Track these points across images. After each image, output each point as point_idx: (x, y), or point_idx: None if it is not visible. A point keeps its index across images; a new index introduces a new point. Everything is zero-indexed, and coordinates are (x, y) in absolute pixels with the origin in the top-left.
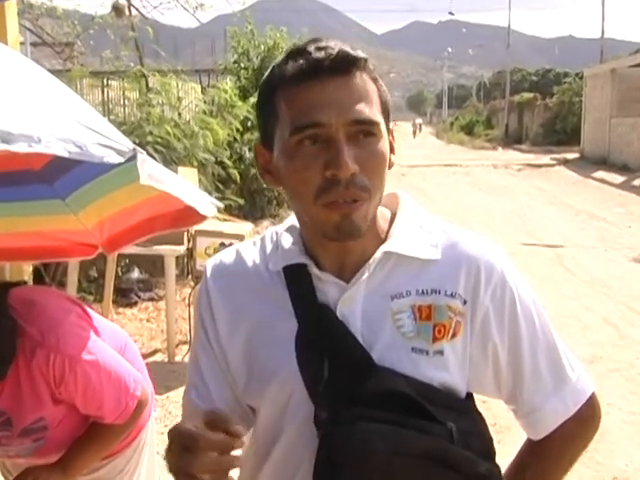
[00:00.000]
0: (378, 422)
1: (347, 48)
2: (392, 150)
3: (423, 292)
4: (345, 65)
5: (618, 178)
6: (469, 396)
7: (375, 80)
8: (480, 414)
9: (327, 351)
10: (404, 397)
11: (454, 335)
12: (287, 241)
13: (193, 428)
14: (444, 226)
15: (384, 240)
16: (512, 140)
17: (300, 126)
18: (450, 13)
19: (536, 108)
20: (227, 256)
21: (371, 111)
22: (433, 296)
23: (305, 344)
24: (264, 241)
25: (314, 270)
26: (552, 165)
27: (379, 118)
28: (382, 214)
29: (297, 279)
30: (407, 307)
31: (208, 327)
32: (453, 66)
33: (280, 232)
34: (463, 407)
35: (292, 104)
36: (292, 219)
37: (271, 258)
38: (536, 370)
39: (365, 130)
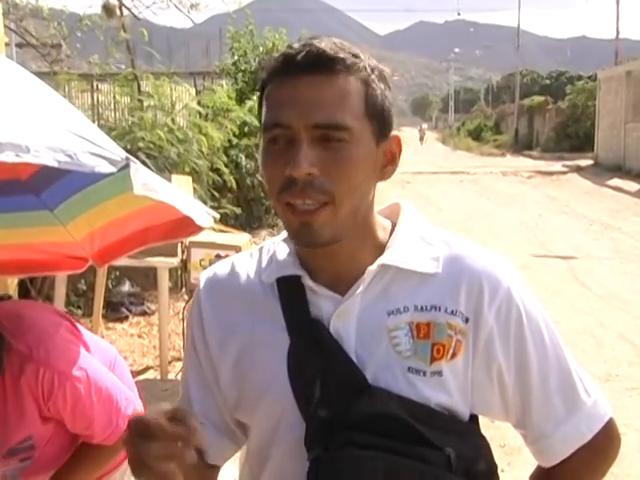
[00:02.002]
0: (369, 448)
1: (326, 47)
2: (392, 160)
3: (422, 308)
4: (318, 64)
5: (634, 186)
6: (473, 419)
7: (366, 83)
8: (484, 438)
9: (319, 369)
10: (398, 421)
11: (454, 355)
12: (282, 252)
13: (153, 417)
14: (447, 238)
15: (383, 252)
16: (522, 146)
17: (268, 125)
18: (458, 13)
19: (547, 112)
20: (222, 268)
21: (340, 115)
22: (432, 313)
23: (297, 361)
24: (261, 252)
25: (308, 282)
26: (564, 172)
27: (351, 123)
28: (382, 225)
29: (290, 292)
30: (404, 324)
31: (198, 342)
32: (460, 68)
33: (277, 242)
34: (465, 430)
35: (268, 102)
36: None
37: (265, 270)
38: (546, 394)
39: (330, 134)
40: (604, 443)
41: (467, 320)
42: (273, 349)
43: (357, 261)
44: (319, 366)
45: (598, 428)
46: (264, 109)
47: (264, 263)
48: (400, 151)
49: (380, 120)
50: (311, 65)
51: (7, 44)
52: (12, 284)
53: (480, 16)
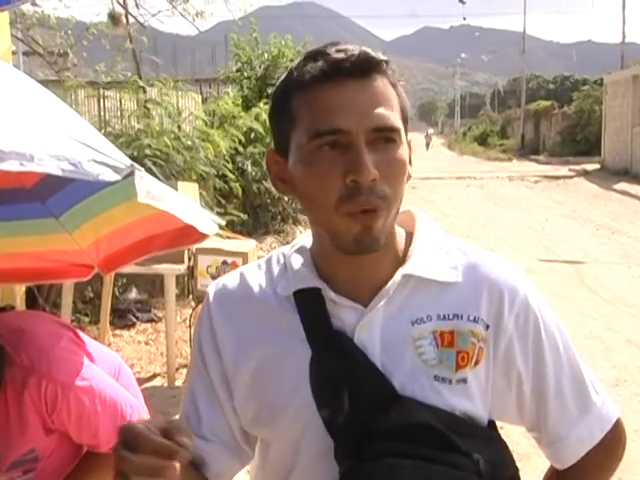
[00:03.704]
0: (403, 457)
1: (368, 50)
2: (409, 161)
3: (445, 317)
4: (366, 67)
5: None
6: (491, 424)
7: (394, 86)
8: (504, 443)
9: (346, 381)
10: (430, 429)
11: (477, 362)
12: (297, 263)
13: (143, 428)
14: (463, 247)
15: (402, 261)
16: (528, 151)
17: (320, 131)
18: (463, 18)
19: (553, 117)
20: (231, 280)
21: (393, 117)
22: (455, 321)
23: (321, 373)
24: (270, 264)
25: (330, 294)
26: (571, 177)
27: (400, 124)
28: (398, 234)
29: (309, 304)
30: (428, 333)
31: (207, 355)
32: (466, 73)
33: (288, 253)
34: (487, 436)
35: (311, 107)
36: (300, 240)
37: (279, 282)
38: (561, 398)
39: (386, 137)
40: (613, 442)
41: (488, 327)
42: (293, 362)
43: (378, 271)
44: (346, 378)
45: (608, 428)
46: (306, 115)
47: (276, 274)
48: (411, 151)
49: (406, 121)
50: (359, 69)
51: (14, 53)
52: (19, 292)
53: (485, 21)
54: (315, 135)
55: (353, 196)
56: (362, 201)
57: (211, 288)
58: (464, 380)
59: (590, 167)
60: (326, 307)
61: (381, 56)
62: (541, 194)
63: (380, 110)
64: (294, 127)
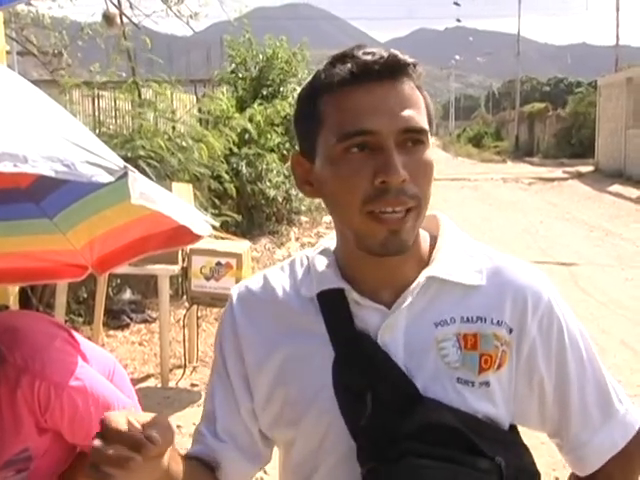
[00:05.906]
0: (427, 457)
1: (397, 53)
2: None
3: (468, 319)
4: (394, 70)
5: (635, 192)
6: (512, 428)
7: (420, 88)
8: (526, 447)
9: (370, 382)
10: (453, 431)
11: (500, 366)
12: (321, 264)
13: (120, 419)
14: (488, 251)
15: (426, 264)
16: (522, 153)
17: (349, 133)
18: (457, 20)
19: (548, 119)
20: (254, 282)
21: (420, 118)
22: (479, 324)
23: (343, 374)
24: (293, 266)
25: (354, 295)
26: (565, 179)
27: (426, 126)
28: (422, 237)
29: (333, 305)
30: (452, 335)
31: (229, 357)
32: (460, 75)
33: (312, 255)
34: (509, 440)
35: (339, 109)
36: (323, 242)
37: (303, 283)
38: (584, 404)
39: (414, 138)
40: (636, 450)
41: (511, 331)
42: (316, 363)
43: (401, 272)
44: (368, 379)
45: (631, 436)
46: (335, 117)
47: (300, 276)
48: None
49: (432, 124)
50: (387, 71)
51: (8, 52)
52: (13, 292)
53: (480, 23)
54: (344, 136)
55: (381, 195)
56: (391, 201)
57: (234, 290)
58: (487, 383)
59: (584, 169)
60: (349, 308)
61: (408, 59)
62: (535, 196)
63: (408, 111)
64: (321, 130)
